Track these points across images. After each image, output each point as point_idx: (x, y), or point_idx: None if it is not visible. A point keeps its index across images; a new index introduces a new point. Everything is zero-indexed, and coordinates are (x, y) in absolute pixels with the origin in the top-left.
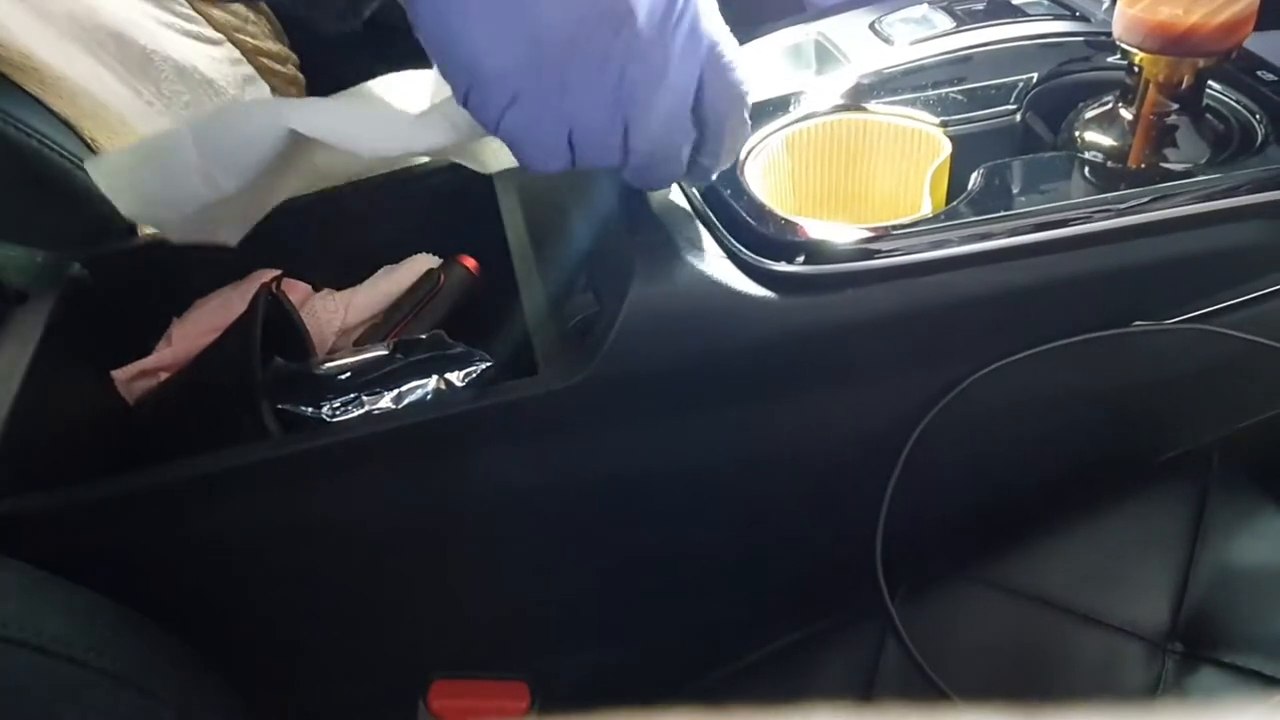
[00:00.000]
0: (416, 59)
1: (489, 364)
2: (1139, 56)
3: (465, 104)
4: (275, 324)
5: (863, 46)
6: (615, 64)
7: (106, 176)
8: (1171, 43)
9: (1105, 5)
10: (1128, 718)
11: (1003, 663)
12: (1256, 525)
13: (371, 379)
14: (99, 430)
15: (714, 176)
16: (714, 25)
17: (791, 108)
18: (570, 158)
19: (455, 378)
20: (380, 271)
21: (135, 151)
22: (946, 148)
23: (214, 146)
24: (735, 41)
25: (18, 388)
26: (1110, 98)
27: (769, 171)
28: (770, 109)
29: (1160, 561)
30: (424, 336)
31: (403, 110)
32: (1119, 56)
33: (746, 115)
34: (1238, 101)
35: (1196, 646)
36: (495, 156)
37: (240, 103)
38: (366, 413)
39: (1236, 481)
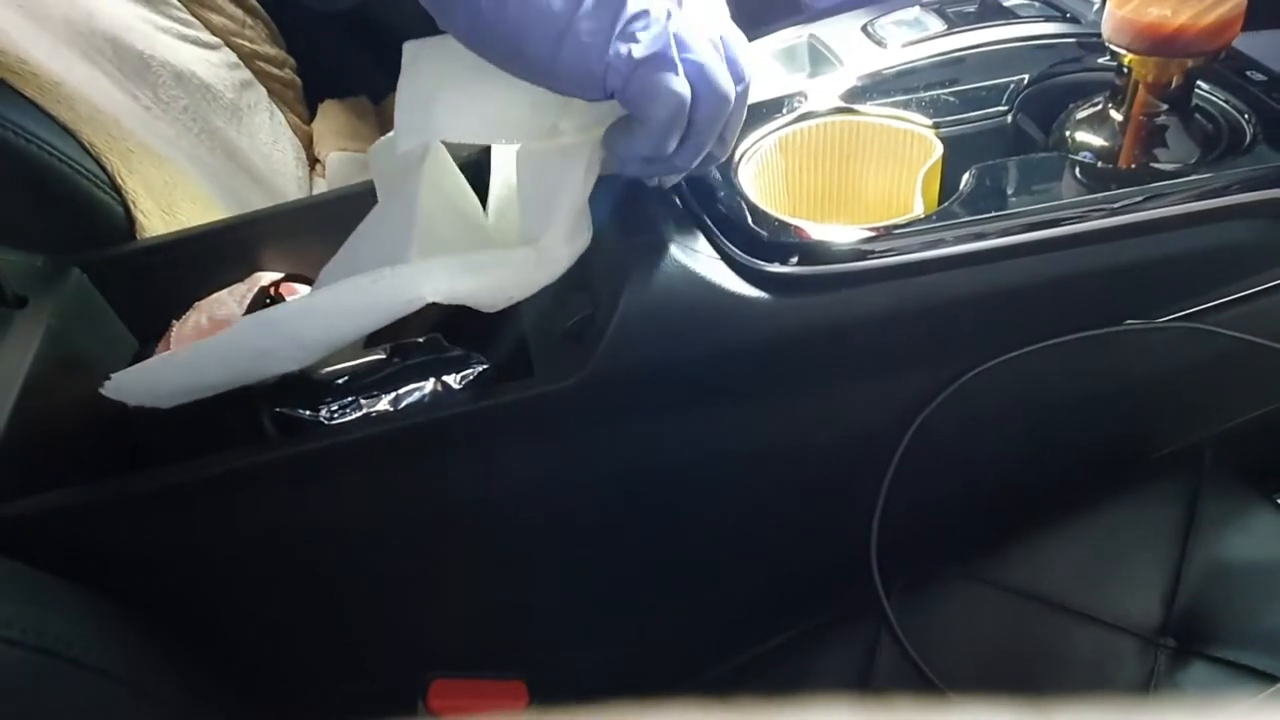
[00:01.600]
0: None
1: (486, 366)
2: (1128, 57)
3: (558, 60)
4: None
5: (856, 48)
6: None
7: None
8: (1160, 44)
9: (1095, 7)
10: (1119, 713)
11: (997, 658)
12: (1248, 521)
13: (369, 382)
14: (98, 434)
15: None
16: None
17: (785, 109)
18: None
19: (452, 380)
20: None
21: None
22: (938, 149)
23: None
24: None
25: (18, 391)
26: (1100, 98)
27: (762, 173)
28: (764, 111)
29: (1153, 558)
30: (421, 340)
31: (504, 254)
32: (1109, 58)
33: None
34: (1226, 101)
35: (1188, 642)
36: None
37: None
38: (364, 415)
39: (1228, 478)
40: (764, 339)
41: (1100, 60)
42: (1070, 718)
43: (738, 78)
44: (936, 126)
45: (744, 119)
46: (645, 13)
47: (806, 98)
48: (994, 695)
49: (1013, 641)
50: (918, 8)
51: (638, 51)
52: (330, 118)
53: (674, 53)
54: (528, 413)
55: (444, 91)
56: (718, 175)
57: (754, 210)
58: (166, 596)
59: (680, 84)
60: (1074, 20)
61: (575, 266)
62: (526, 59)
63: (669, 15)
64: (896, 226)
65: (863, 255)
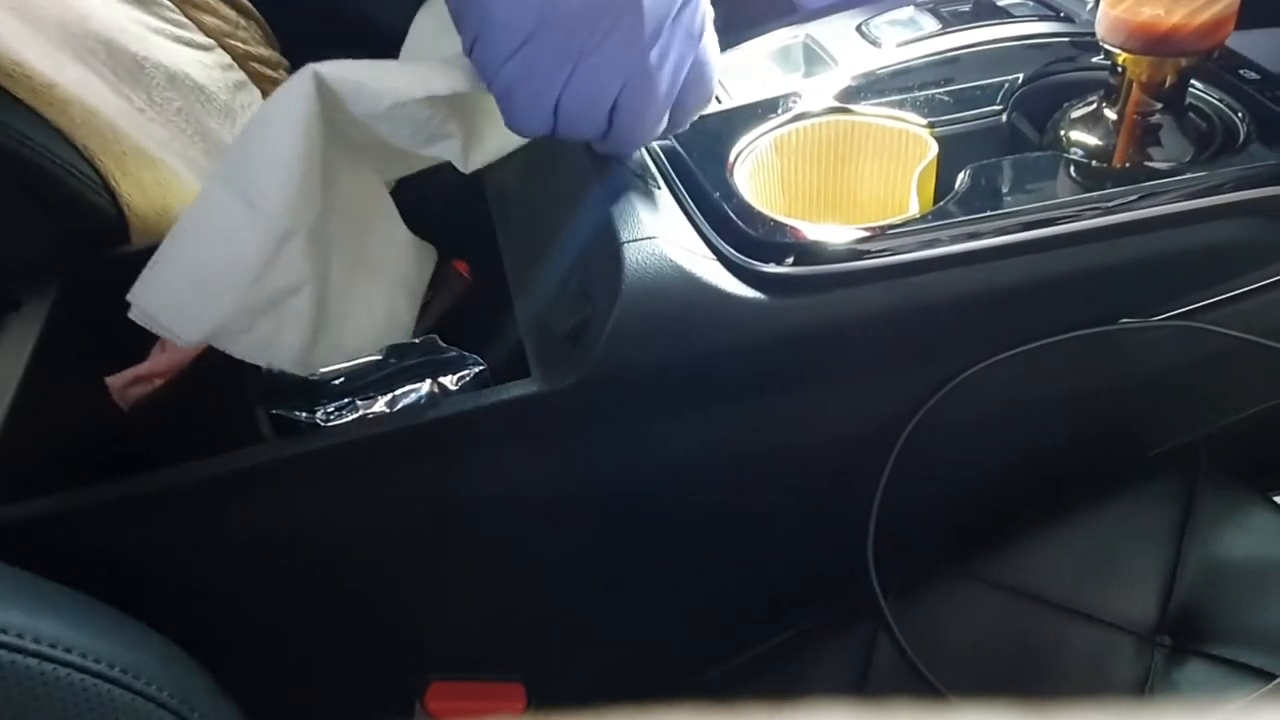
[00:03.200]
0: None
1: (482, 367)
2: (1122, 57)
3: (470, 53)
4: None
5: (850, 48)
6: (621, 34)
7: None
8: (1154, 43)
9: (1089, 6)
10: (1116, 713)
11: (994, 658)
12: (1244, 519)
13: (365, 383)
14: (94, 437)
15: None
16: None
17: (780, 110)
18: (553, 124)
19: (449, 381)
20: None
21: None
22: (933, 148)
23: (244, 176)
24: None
25: (13, 395)
26: (1095, 98)
27: (758, 173)
28: (759, 111)
29: (1149, 556)
30: (417, 341)
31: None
32: (1103, 57)
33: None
34: (1220, 100)
35: (1185, 640)
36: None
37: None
38: (361, 417)
39: (1224, 476)
40: (760, 339)
41: (1094, 59)
42: (1067, 718)
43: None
44: (931, 126)
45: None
46: None
47: (801, 98)
48: (991, 695)
49: (1010, 641)
50: (912, 7)
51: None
52: None
53: None
54: (524, 414)
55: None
56: (713, 175)
57: (749, 210)
58: (163, 600)
59: None
60: (1068, 20)
61: (571, 267)
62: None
63: None
64: (892, 226)
65: (858, 255)
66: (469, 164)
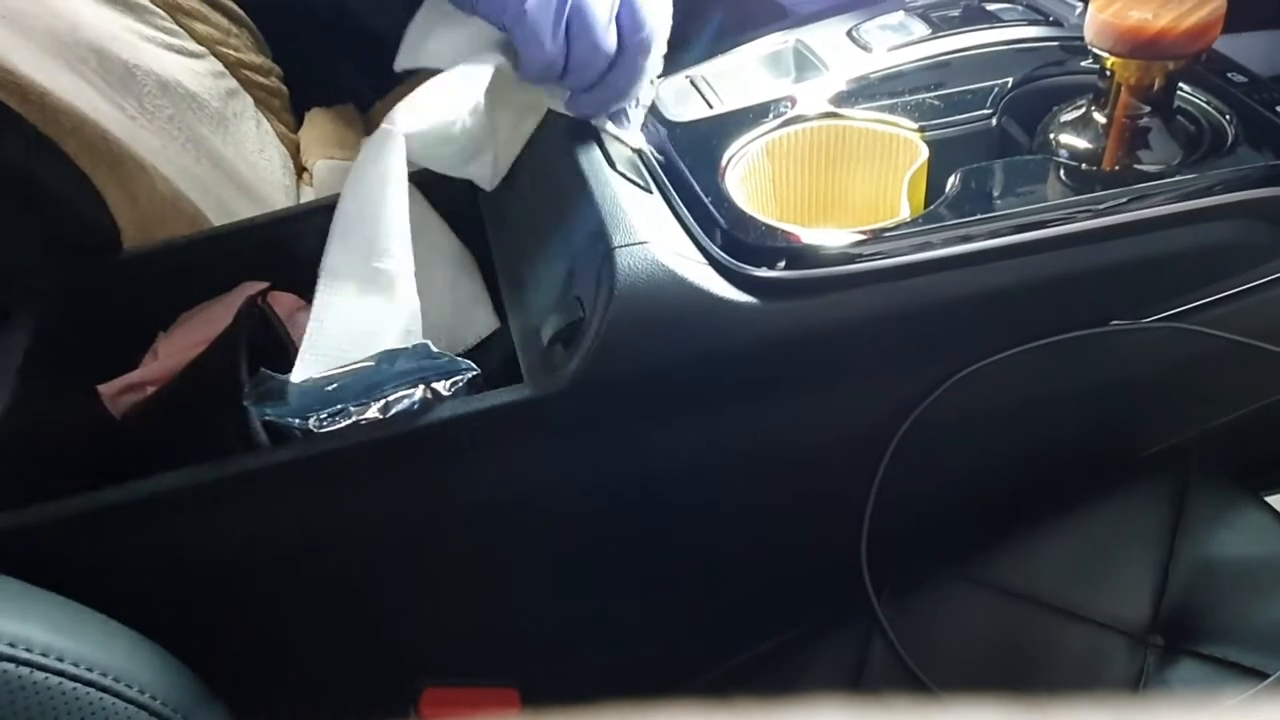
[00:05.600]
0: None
1: (475, 372)
2: (1111, 60)
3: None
4: (261, 336)
5: (841, 53)
6: None
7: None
8: (1142, 46)
9: (1078, 10)
10: (1107, 710)
11: (988, 659)
12: (1235, 519)
13: (358, 389)
14: (86, 446)
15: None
16: None
17: (772, 114)
18: (564, 59)
19: (441, 386)
20: None
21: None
22: (924, 152)
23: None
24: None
25: (3, 405)
26: (1084, 101)
27: (749, 177)
28: (750, 116)
29: (1141, 556)
30: (409, 346)
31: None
32: (1091, 61)
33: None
34: (1208, 103)
35: (1177, 639)
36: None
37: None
38: (353, 423)
39: (1215, 476)
40: (752, 343)
41: (1083, 63)
42: (1061, 717)
43: (632, 27)
44: (922, 130)
45: (645, 70)
46: None
47: (793, 103)
48: (985, 695)
49: (1003, 641)
50: (902, 13)
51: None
52: (317, 126)
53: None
54: (517, 418)
55: (439, 25)
56: (705, 180)
57: (741, 215)
58: (155, 607)
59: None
60: (1057, 24)
61: (563, 272)
62: None
63: None
64: (883, 230)
65: (850, 259)
66: (492, 181)
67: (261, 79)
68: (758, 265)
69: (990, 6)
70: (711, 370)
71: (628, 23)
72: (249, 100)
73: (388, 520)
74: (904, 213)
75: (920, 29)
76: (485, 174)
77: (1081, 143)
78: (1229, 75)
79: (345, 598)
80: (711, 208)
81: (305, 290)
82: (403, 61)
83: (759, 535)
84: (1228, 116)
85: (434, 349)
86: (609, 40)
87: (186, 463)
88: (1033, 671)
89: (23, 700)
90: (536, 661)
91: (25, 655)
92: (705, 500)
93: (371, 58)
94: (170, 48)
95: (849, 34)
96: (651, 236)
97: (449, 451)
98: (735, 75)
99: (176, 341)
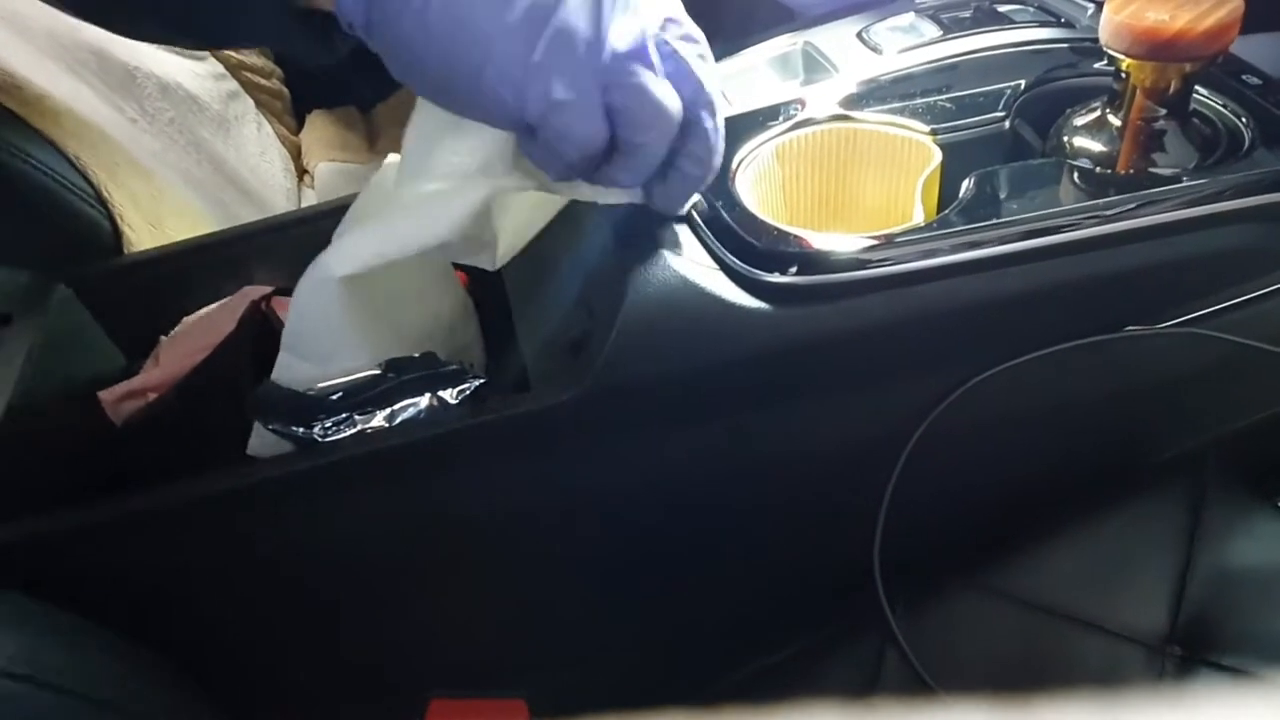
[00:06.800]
0: None
1: (482, 381)
2: (1126, 62)
3: (480, 88)
4: (265, 342)
5: (851, 55)
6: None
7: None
8: (1158, 48)
9: (1090, 12)
10: (1102, 711)
11: (1002, 669)
12: (1253, 527)
13: (364, 398)
14: (86, 453)
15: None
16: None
17: (781, 117)
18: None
19: (448, 396)
20: None
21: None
22: (937, 156)
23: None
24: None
25: (2, 411)
26: (1098, 104)
27: (760, 182)
28: (760, 119)
29: (1158, 565)
30: (416, 355)
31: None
32: (1106, 62)
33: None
34: (1224, 106)
35: (1195, 649)
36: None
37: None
38: (359, 432)
39: (1232, 483)
40: (764, 349)
41: (1097, 65)
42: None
43: (694, 96)
44: (934, 133)
45: (714, 134)
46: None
47: (803, 105)
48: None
49: (1018, 652)
50: (913, 14)
51: (558, 93)
52: (318, 128)
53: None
54: (525, 428)
55: (446, 136)
56: (715, 184)
57: (752, 220)
58: (157, 619)
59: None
60: (1069, 25)
61: (572, 280)
62: (455, 93)
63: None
64: (896, 235)
65: (863, 264)
66: (497, 261)
67: (263, 81)
68: (770, 271)
69: (1002, 8)
70: (723, 377)
71: (673, 71)
72: (250, 103)
73: (393, 530)
74: (917, 218)
75: (931, 31)
76: (490, 258)
77: (1096, 146)
78: (1244, 77)
79: (352, 608)
80: (722, 212)
81: None
82: (406, 185)
83: (770, 543)
84: (1244, 120)
85: (440, 357)
86: (673, 101)
87: (188, 472)
88: (1049, 684)
89: (22, 717)
90: (545, 671)
91: (24, 671)
92: (715, 508)
93: (372, 60)
94: (170, 50)
95: (859, 35)
96: (661, 242)
97: (456, 461)
98: (744, 77)
99: (178, 347)
